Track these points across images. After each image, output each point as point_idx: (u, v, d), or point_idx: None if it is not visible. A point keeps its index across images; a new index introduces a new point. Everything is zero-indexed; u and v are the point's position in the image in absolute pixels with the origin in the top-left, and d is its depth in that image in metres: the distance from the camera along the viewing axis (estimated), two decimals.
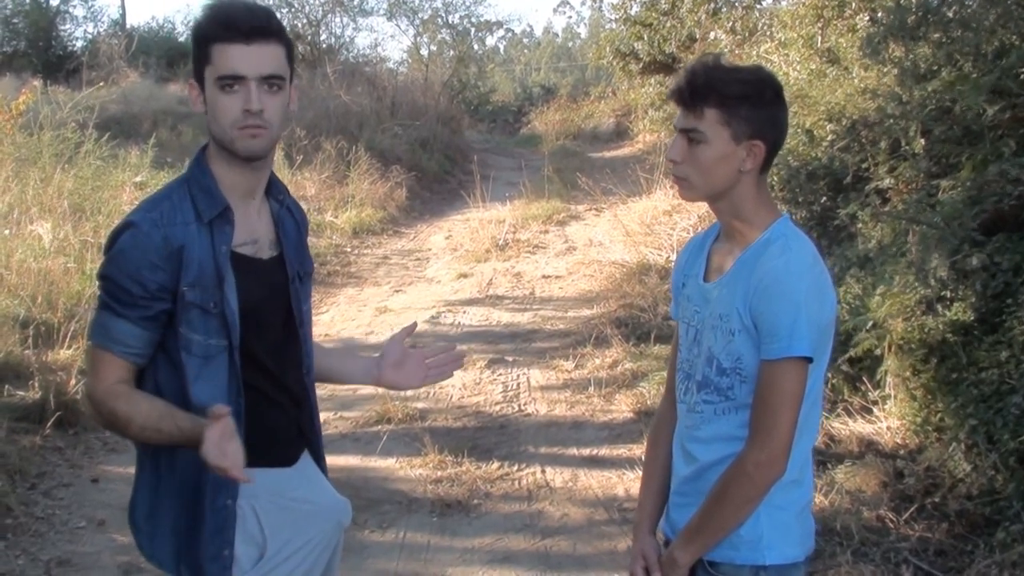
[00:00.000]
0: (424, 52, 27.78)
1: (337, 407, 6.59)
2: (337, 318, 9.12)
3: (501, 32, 35.16)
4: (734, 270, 2.30)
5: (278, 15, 2.42)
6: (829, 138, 7.77)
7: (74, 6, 33.93)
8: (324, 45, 26.10)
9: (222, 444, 2.03)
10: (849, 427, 5.44)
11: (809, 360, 2.18)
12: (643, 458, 2.67)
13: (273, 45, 2.21)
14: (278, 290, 2.37)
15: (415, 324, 2.54)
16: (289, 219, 2.46)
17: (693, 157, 2.26)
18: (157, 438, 2.20)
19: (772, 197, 2.35)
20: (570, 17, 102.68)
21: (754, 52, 11.87)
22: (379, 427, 6.32)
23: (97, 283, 2.27)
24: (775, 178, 8.14)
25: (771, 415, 2.18)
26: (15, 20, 28.02)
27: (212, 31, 2.19)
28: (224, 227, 2.26)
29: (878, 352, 5.40)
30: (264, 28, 2.19)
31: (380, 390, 6.75)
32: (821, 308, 2.21)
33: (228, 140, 2.22)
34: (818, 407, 2.36)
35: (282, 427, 2.41)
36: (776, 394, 2.18)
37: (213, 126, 2.24)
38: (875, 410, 5.49)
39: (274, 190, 2.43)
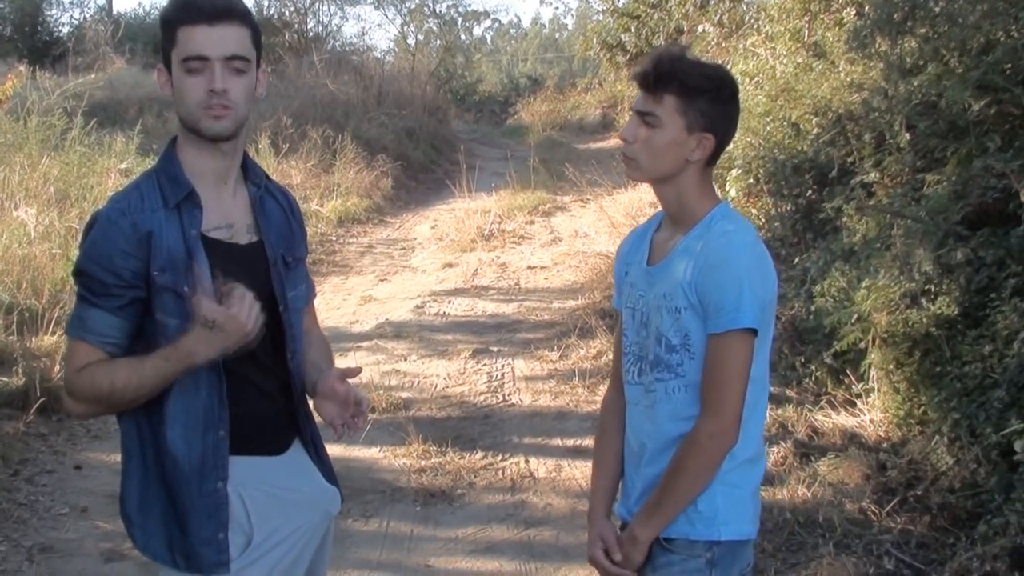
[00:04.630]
0: (411, 41, 27.68)
1: None
2: (322, 307, 9.09)
3: (488, 22, 35.03)
4: (678, 250, 2.38)
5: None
6: (815, 131, 7.78)
7: None
8: (311, 33, 26.03)
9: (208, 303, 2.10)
10: (832, 420, 5.46)
11: (754, 332, 2.27)
12: (593, 446, 2.73)
13: (237, 27, 2.24)
14: (258, 275, 2.35)
15: (359, 369, 2.55)
16: (272, 203, 2.46)
17: (646, 139, 2.36)
18: (145, 384, 2.20)
19: (715, 188, 2.50)
20: (557, 8, 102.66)
21: (741, 45, 11.86)
22: None
23: (73, 280, 2.30)
24: (761, 171, 8.16)
25: (720, 387, 2.27)
26: (1, 5, 27.81)
27: (177, 14, 2.23)
28: (192, 211, 2.27)
29: (862, 345, 5.42)
30: (228, 10, 2.23)
31: (364, 379, 6.79)
32: (764, 283, 2.31)
33: (194, 121, 2.25)
34: (766, 389, 2.45)
35: (269, 415, 2.40)
36: (724, 366, 2.27)
37: (180, 108, 2.27)
38: (859, 403, 5.51)
39: (251, 175, 2.43)
